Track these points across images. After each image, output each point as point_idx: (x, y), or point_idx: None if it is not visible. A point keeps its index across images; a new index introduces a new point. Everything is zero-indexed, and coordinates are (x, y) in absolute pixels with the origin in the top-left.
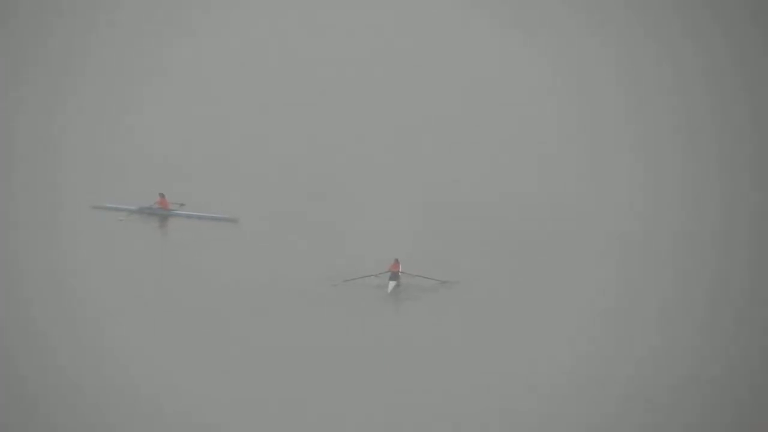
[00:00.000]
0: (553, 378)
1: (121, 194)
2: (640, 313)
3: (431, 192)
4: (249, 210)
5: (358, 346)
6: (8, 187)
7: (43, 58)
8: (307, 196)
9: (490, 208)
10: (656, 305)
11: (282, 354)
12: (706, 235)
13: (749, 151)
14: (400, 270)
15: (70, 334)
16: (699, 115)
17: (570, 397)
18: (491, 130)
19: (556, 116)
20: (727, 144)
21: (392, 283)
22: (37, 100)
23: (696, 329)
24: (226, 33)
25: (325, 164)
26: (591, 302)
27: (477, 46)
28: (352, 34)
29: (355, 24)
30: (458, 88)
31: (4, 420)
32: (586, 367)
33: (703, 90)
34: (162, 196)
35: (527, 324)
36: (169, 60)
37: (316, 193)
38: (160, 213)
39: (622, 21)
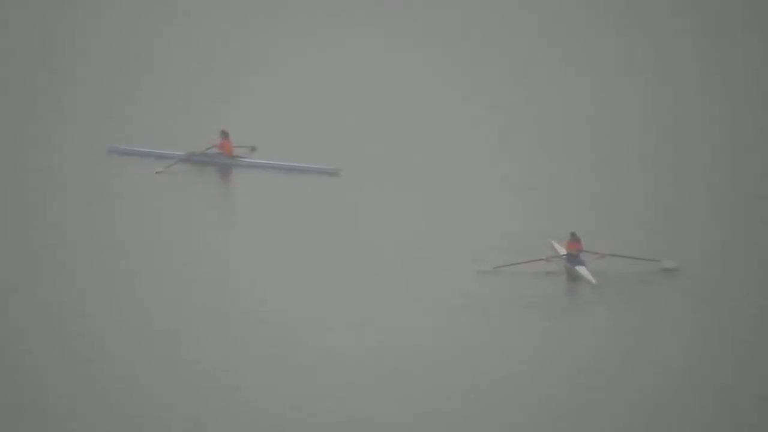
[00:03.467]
0: None
1: (148, 134)
2: None
3: (602, 140)
4: (351, 160)
5: (562, 370)
6: None
7: None
8: (424, 148)
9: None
10: None
11: (440, 386)
12: None
13: None
14: (583, 249)
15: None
16: None
17: None
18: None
19: None
20: None
21: (583, 270)
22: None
23: None
24: None
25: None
26: None
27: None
28: None
29: None
30: None
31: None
32: None
33: None
34: (225, 135)
35: None
36: None
37: (436, 146)
38: (222, 161)
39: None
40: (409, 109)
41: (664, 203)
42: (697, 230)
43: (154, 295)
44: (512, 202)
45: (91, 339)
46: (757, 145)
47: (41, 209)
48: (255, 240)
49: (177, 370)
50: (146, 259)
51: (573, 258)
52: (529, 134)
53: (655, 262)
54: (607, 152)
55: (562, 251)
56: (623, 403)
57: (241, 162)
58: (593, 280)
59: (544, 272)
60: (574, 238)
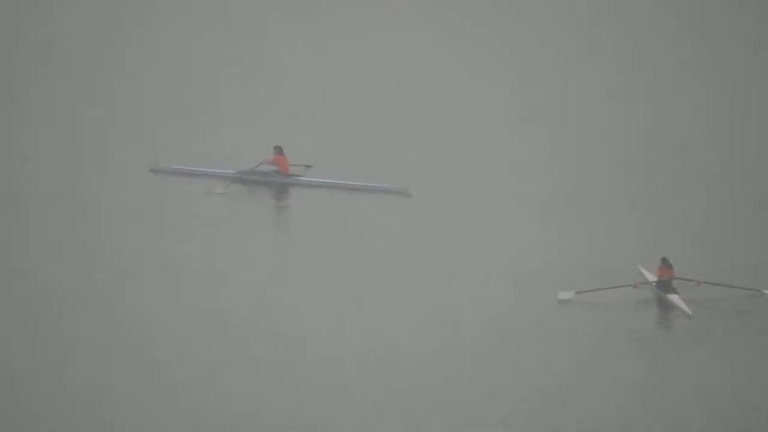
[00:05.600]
0: None
1: (191, 152)
2: None
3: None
4: (420, 179)
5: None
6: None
7: None
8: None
9: None
10: None
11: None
12: None
13: None
14: (676, 276)
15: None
16: None
17: None
18: None
19: None
20: None
21: (676, 298)
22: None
23: None
24: None
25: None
26: None
27: None
28: None
29: None
30: None
31: None
32: None
33: None
34: (279, 151)
35: None
36: None
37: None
38: (277, 180)
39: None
40: (476, 121)
41: (763, 225)
42: None
43: (211, 320)
44: (593, 223)
45: (161, 366)
46: None
47: (93, 229)
48: (319, 264)
49: (245, 404)
50: (204, 288)
51: (664, 285)
52: (609, 147)
53: (757, 292)
54: (696, 169)
55: (652, 278)
56: None
57: (298, 181)
58: (688, 310)
59: (632, 300)
60: (666, 264)
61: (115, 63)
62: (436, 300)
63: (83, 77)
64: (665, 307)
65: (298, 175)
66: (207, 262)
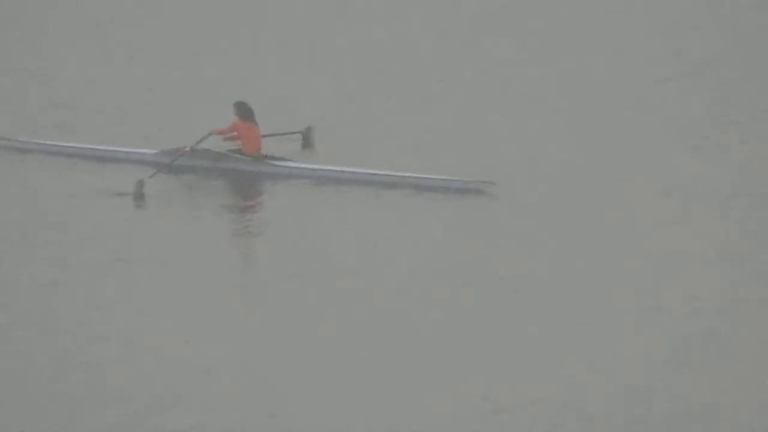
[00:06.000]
0: None
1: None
2: None
3: None
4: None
5: None
6: None
7: None
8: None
9: None
10: None
11: None
12: None
13: None
14: None
15: None
16: None
17: None
18: None
19: None
20: None
21: None
22: None
23: None
24: None
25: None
26: None
27: None
28: None
29: None
30: None
31: None
32: None
33: None
34: (244, 111)
35: None
36: None
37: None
38: (239, 166)
39: None
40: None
41: None
42: None
43: None
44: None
45: None
46: None
47: None
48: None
49: None
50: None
51: None
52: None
53: None
54: None
55: None
56: None
57: (280, 168)
58: None
59: None
60: None
61: None
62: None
63: None
64: None
65: (280, 158)
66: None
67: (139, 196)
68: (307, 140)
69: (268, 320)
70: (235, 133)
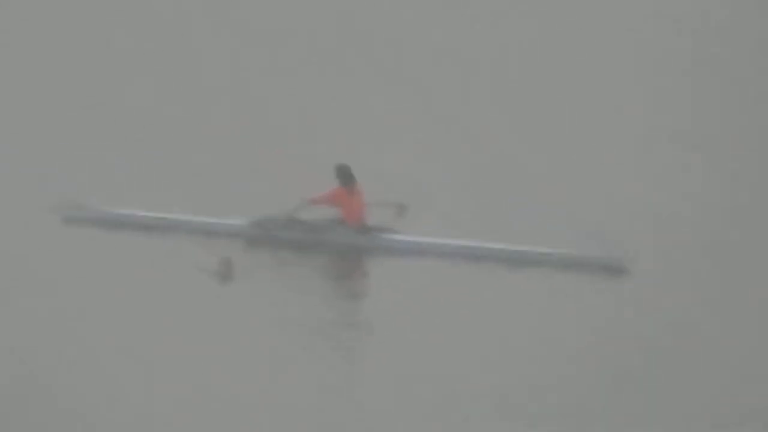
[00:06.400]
0: None
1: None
2: None
3: None
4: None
5: None
6: None
7: None
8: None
9: None
10: None
11: None
12: None
13: None
14: None
15: None
16: None
17: None
18: None
19: None
20: None
21: None
22: None
23: None
24: None
25: None
26: None
27: None
28: None
29: None
30: None
31: None
32: None
33: None
34: (345, 176)
35: None
36: None
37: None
38: (339, 239)
39: None
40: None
41: None
42: None
43: None
44: None
45: None
46: None
47: None
48: None
49: None
50: None
51: None
52: None
53: None
54: None
55: None
56: None
57: (387, 242)
58: None
59: None
60: None
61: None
62: None
63: None
64: None
65: (386, 229)
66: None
67: (227, 276)
68: (405, 210)
69: (374, 412)
70: (335, 201)
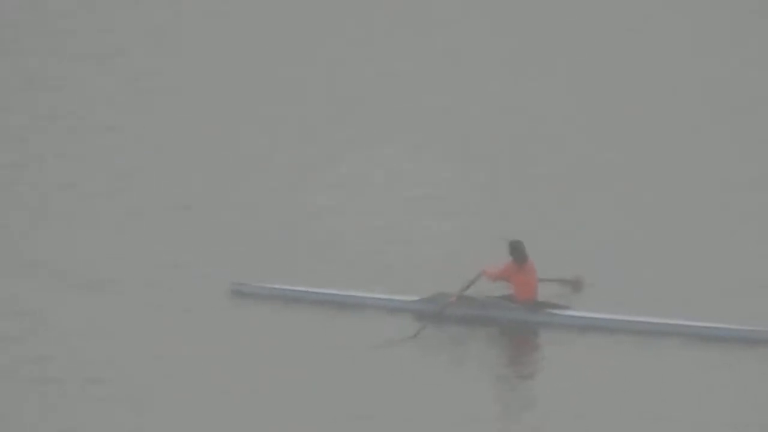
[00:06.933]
0: None
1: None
2: None
3: None
4: None
5: None
6: None
7: None
8: None
9: None
10: None
11: None
12: None
13: None
14: None
15: None
16: None
17: None
18: None
19: None
20: None
21: None
22: None
23: None
24: None
25: None
26: None
27: None
28: None
29: None
30: None
31: None
32: None
33: None
34: (518, 252)
35: None
36: None
37: None
38: (512, 316)
39: None
40: None
41: None
42: None
43: None
44: None
45: None
46: None
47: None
48: None
49: None
50: None
51: None
52: None
53: None
54: None
55: None
56: None
57: (563, 319)
58: None
59: None
60: None
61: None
62: None
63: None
64: None
65: (557, 305)
66: None
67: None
68: (578, 286)
69: None
70: (506, 275)
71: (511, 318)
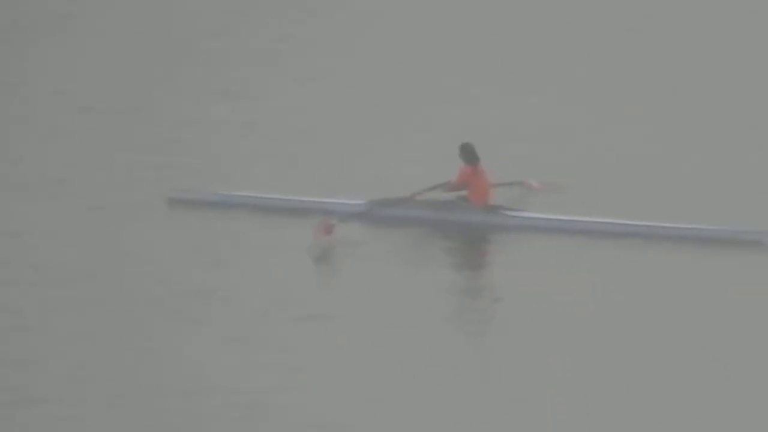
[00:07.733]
0: None
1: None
2: None
3: None
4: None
5: None
6: None
7: None
8: None
9: None
10: None
11: None
12: None
13: None
14: None
15: None
16: None
17: None
18: None
19: None
20: None
21: None
22: None
23: None
24: None
25: None
26: None
27: None
28: None
29: None
30: None
31: None
32: None
33: None
34: (469, 154)
35: None
36: None
37: None
38: (465, 218)
39: None
40: None
41: None
42: None
43: None
44: None
45: None
46: None
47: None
48: None
49: None
50: None
51: None
52: None
53: None
54: None
55: None
56: None
57: (518, 221)
58: None
59: None
60: None
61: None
62: None
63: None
64: None
65: (512, 208)
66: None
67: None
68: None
69: (503, 395)
70: (462, 179)
71: (467, 220)
